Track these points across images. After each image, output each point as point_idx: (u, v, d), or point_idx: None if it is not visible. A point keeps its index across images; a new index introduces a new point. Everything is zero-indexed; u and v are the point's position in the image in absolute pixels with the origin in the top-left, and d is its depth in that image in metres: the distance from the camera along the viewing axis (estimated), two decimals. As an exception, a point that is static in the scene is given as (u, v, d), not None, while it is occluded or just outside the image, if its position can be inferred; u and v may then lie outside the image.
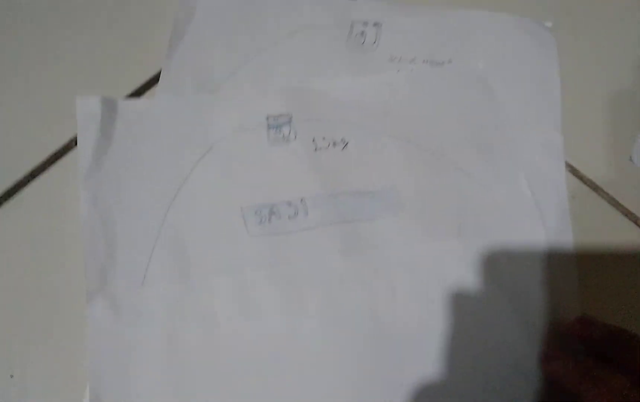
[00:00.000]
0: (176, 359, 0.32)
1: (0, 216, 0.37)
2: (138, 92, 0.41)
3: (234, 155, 0.37)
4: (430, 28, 0.42)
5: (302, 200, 0.36)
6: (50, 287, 0.35)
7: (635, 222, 0.38)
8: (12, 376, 0.33)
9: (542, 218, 0.37)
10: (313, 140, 0.38)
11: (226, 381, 0.32)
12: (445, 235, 0.36)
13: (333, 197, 0.36)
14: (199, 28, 0.42)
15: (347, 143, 0.38)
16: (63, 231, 0.36)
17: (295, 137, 0.38)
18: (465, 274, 0.35)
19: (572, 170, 0.40)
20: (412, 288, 0.35)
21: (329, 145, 0.38)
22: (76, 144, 0.38)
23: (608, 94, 0.42)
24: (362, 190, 0.37)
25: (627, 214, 0.38)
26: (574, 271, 0.36)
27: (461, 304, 0.34)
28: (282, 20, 0.42)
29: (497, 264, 0.35)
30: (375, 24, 0.42)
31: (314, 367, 0.33)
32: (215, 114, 0.38)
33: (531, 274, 0.35)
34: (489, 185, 0.37)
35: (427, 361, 0.33)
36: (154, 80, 0.41)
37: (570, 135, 0.40)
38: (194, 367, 0.32)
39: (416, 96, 0.40)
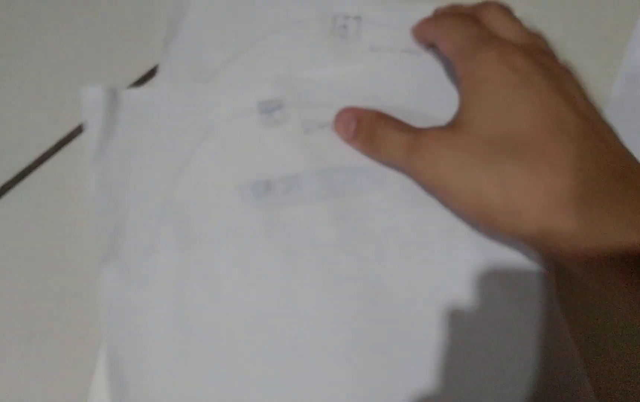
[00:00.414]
0: (182, 319, 0.35)
1: (11, 199, 0.40)
2: (140, 82, 0.44)
3: (230, 137, 0.40)
4: (408, 20, 0.45)
5: (295, 177, 0.39)
6: (62, 259, 0.38)
7: None
8: (29, 339, 0.36)
9: None
10: (302, 123, 0.41)
11: (229, 341, 0.35)
12: (426, 203, 0.38)
13: (323, 173, 0.39)
14: (191, 25, 0.44)
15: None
16: (71, 211, 0.39)
17: (286, 120, 0.41)
18: (450, 240, 0.37)
19: None
20: (399, 252, 0.37)
21: (317, 127, 0.41)
22: (82, 130, 0.40)
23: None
24: (350, 167, 0.40)
25: None
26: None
27: (443, 266, 0.37)
28: (268, 16, 0.45)
29: (486, 239, 0.37)
30: (356, 17, 0.45)
31: (311, 328, 0.35)
32: (211, 101, 0.41)
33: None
34: None
35: (415, 320, 0.36)
36: (153, 71, 0.44)
37: None
38: (199, 328, 0.35)
39: (398, 83, 0.43)
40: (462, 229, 0.38)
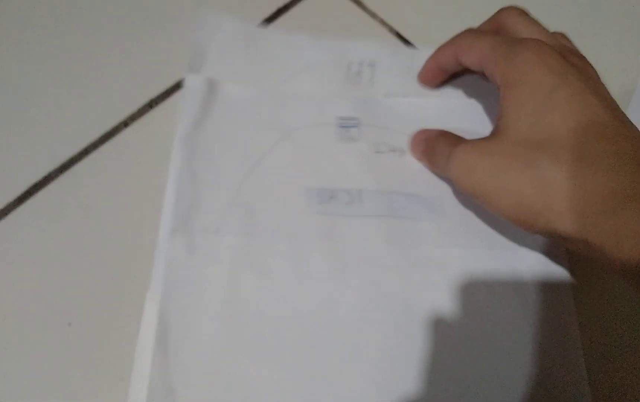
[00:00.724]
0: (233, 300, 0.37)
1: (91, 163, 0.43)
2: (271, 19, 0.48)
3: (305, 144, 0.43)
4: (419, 65, 0.46)
5: (359, 191, 0.41)
6: (112, 239, 0.40)
7: None
8: (70, 324, 0.37)
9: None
10: (375, 144, 0.43)
11: (272, 330, 0.37)
12: (478, 245, 0.40)
13: (386, 193, 0.41)
14: (212, 68, 0.46)
15: (404, 152, 0.43)
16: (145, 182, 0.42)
17: (360, 138, 0.43)
18: (491, 282, 0.39)
19: None
20: (443, 286, 0.39)
21: (388, 151, 0.43)
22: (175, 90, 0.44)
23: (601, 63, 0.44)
24: (412, 193, 0.41)
25: None
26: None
27: (481, 307, 0.38)
28: (284, 61, 0.47)
29: (521, 281, 0.39)
30: (370, 64, 0.47)
31: (349, 335, 0.37)
32: (295, 108, 0.44)
33: (553, 304, 0.38)
34: None
35: (446, 354, 0.37)
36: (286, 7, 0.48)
37: None
38: (247, 311, 0.37)
39: (472, 124, 0.44)
40: (504, 271, 0.39)
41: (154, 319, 0.36)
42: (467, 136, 0.40)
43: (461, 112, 0.45)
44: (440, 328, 0.37)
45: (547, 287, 0.39)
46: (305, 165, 0.42)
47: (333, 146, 0.43)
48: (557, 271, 0.39)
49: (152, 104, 0.45)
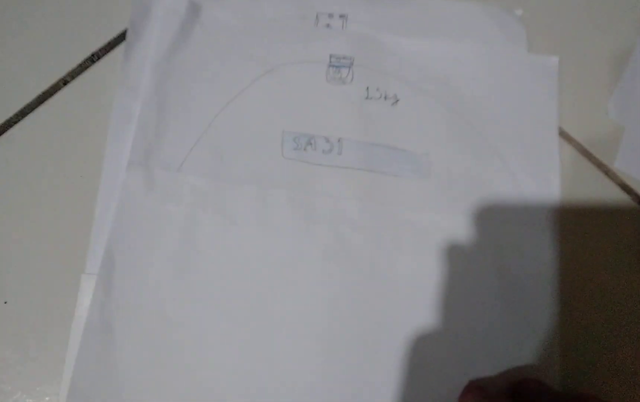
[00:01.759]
0: (191, 241, 0.36)
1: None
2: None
3: (290, 81, 0.40)
4: (403, 14, 0.42)
5: (339, 139, 0.38)
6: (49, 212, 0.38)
7: (606, 174, 0.39)
8: (5, 302, 0.35)
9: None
10: (367, 89, 0.40)
11: (225, 278, 0.35)
12: (460, 211, 0.37)
13: (368, 145, 0.38)
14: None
15: (398, 100, 0.40)
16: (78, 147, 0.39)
17: (351, 81, 0.40)
18: (471, 253, 0.36)
19: None
20: (414, 250, 0.36)
21: (380, 97, 0.40)
22: (118, 42, 0.41)
23: (586, 47, 0.42)
24: (397, 147, 0.38)
25: (599, 165, 0.39)
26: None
27: (456, 282, 0.36)
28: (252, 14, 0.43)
29: (500, 251, 0.36)
30: (341, 16, 0.42)
31: (311, 293, 0.35)
32: (284, 41, 0.41)
33: (531, 273, 0.36)
34: (521, 180, 0.38)
35: (416, 317, 0.35)
36: None
37: None
38: (202, 256, 0.36)
39: (480, 74, 0.40)
40: (485, 244, 0.36)
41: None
42: (472, 83, 0.39)
43: (467, 58, 0.41)
44: (406, 296, 0.35)
45: (531, 266, 0.36)
46: (286, 105, 0.39)
47: (320, 87, 0.40)
48: (543, 252, 0.37)
49: (93, 58, 0.42)
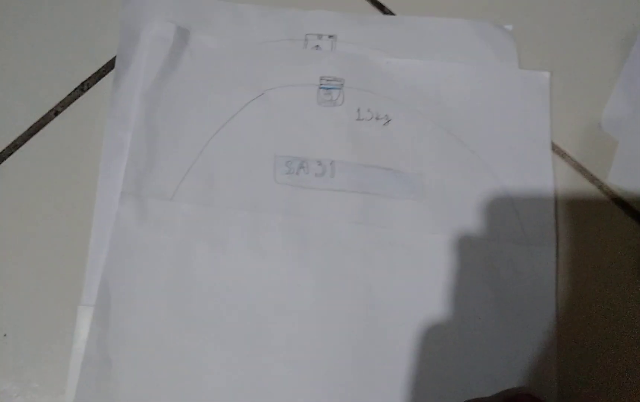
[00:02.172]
0: (183, 272, 0.36)
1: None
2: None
3: (281, 105, 0.40)
4: (391, 34, 0.43)
5: (331, 162, 0.38)
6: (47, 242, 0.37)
7: (600, 188, 0.39)
8: (5, 335, 0.35)
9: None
10: (358, 110, 0.40)
11: (221, 307, 0.35)
12: (455, 231, 0.37)
13: (362, 167, 0.38)
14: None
15: (389, 120, 0.40)
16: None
17: (342, 102, 0.40)
18: (465, 272, 0.36)
19: None
20: (409, 271, 0.36)
21: (371, 118, 0.40)
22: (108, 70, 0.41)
23: (577, 61, 0.42)
24: (390, 168, 0.38)
25: (592, 179, 0.39)
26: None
27: (453, 301, 0.36)
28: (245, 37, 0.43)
29: (497, 271, 0.36)
30: (330, 36, 0.42)
31: (306, 318, 0.35)
32: (273, 64, 0.41)
33: (527, 290, 0.36)
34: (514, 197, 0.38)
35: (412, 338, 0.35)
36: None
37: None
38: (196, 285, 0.35)
39: (471, 91, 0.40)
40: (480, 262, 0.36)
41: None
42: (464, 101, 0.39)
43: (458, 76, 0.41)
44: (402, 317, 0.35)
45: (526, 284, 0.36)
46: (277, 129, 0.39)
47: (311, 110, 0.40)
48: (539, 269, 0.36)
49: (83, 88, 0.41)
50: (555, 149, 0.40)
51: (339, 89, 0.40)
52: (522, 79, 0.41)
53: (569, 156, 0.40)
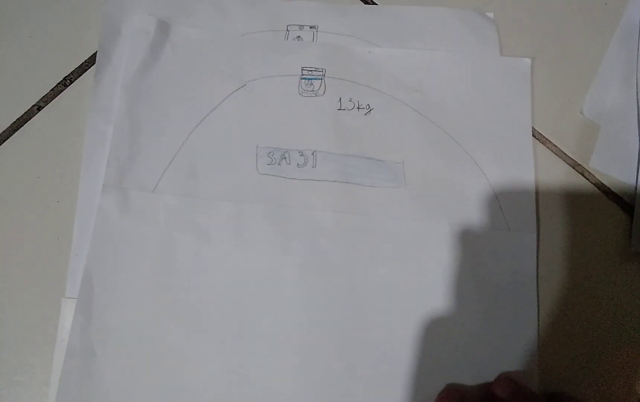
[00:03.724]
0: (166, 263, 0.36)
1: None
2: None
3: (263, 96, 0.40)
4: (375, 23, 0.43)
5: (313, 152, 0.39)
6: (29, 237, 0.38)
7: (582, 174, 0.39)
8: None
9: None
10: (340, 100, 0.40)
11: (204, 298, 0.35)
12: (437, 218, 0.37)
13: (343, 156, 0.38)
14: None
15: (371, 109, 0.40)
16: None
17: (324, 92, 0.40)
18: (447, 258, 0.36)
19: None
20: (391, 259, 0.36)
21: (353, 107, 0.40)
22: (90, 65, 0.41)
23: (559, 48, 0.43)
24: (372, 157, 0.39)
25: (574, 165, 0.40)
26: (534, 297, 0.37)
27: (435, 288, 0.36)
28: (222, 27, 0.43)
29: (478, 257, 0.37)
30: (311, 27, 0.42)
31: (289, 307, 0.35)
32: (255, 55, 0.41)
33: (509, 276, 0.36)
34: (495, 184, 0.38)
35: (395, 326, 0.35)
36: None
37: None
38: (180, 276, 0.36)
39: (452, 79, 0.41)
40: (461, 249, 0.37)
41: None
42: (445, 89, 0.39)
43: (439, 64, 0.41)
44: (385, 305, 0.36)
45: (508, 270, 0.37)
46: (259, 120, 0.39)
47: (293, 100, 0.40)
48: (520, 256, 0.37)
49: (66, 82, 0.41)
50: (537, 135, 0.40)
51: (321, 79, 0.40)
52: (503, 66, 0.41)
53: (550, 142, 0.40)
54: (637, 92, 0.41)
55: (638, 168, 0.39)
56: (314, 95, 0.40)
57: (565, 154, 0.40)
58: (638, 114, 0.40)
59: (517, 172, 0.38)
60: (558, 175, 0.39)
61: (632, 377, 0.35)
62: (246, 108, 0.39)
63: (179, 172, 0.37)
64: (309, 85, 0.40)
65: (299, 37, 0.42)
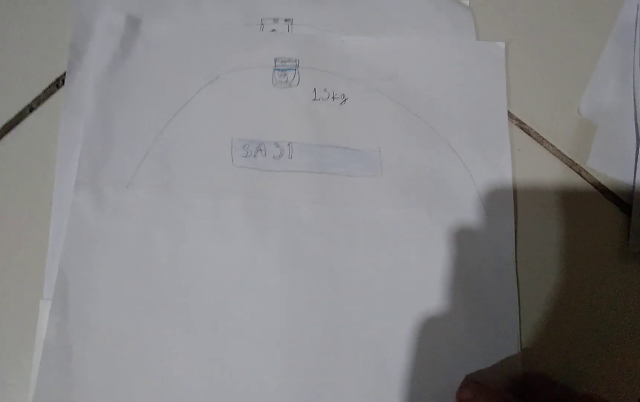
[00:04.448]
0: (143, 259, 0.35)
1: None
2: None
3: (237, 88, 0.39)
4: (352, 12, 0.42)
5: (289, 144, 0.38)
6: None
7: (579, 173, 0.39)
8: None
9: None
10: (314, 90, 0.40)
11: (182, 293, 0.35)
12: (414, 205, 0.37)
13: (319, 147, 0.38)
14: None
15: (346, 99, 0.39)
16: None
17: (298, 83, 0.40)
18: (425, 245, 0.36)
19: (519, 124, 0.40)
20: (370, 248, 0.36)
21: (328, 97, 0.39)
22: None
23: (555, 48, 0.42)
24: (348, 147, 0.38)
25: (572, 165, 0.39)
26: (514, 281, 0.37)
27: (414, 274, 0.36)
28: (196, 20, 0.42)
29: (457, 244, 0.36)
30: (286, 19, 0.42)
31: (269, 300, 0.35)
32: (227, 48, 0.40)
33: (488, 262, 0.36)
34: (472, 169, 0.38)
35: (375, 315, 0.35)
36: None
37: (517, 89, 0.41)
38: (157, 272, 0.35)
39: (426, 66, 0.40)
40: (440, 236, 0.37)
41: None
42: (420, 76, 0.39)
43: (413, 51, 0.41)
44: (364, 294, 0.35)
45: (486, 256, 0.36)
46: (234, 113, 0.39)
47: (266, 92, 0.39)
48: (498, 240, 0.37)
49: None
50: (534, 135, 0.40)
51: (294, 70, 0.40)
52: (477, 50, 0.41)
53: (547, 142, 0.40)
54: (634, 91, 0.40)
55: (636, 167, 0.38)
56: (288, 86, 0.39)
57: (562, 153, 0.39)
58: (635, 113, 0.40)
59: (494, 157, 0.38)
60: (555, 175, 0.39)
61: (630, 376, 0.35)
62: (220, 101, 0.39)
63: (153, 167, 0.37)
64: (282, 76, 0.39)
65: (273, 30, 0.41)
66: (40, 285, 0.35)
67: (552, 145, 0.39)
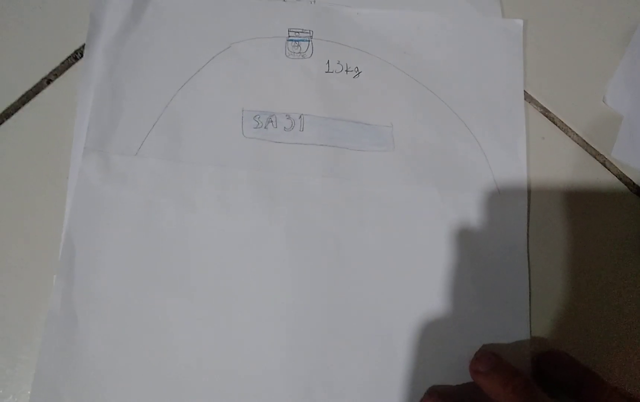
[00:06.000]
0: (150, 228, 0.35)
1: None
2: None
3: (249, 58, 0.39)
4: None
5: (300, 116, 0.38)
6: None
7: (604, 164, 0.38)
8: None
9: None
10: (327, 62, 0.39)
11: (188, 263, 0.35)
12: (426, 181, 0.36)
13: (331, 120, 0.37)
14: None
15: (359, 72, 0.39)
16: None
17: (312, 54, 0.39)
18: (436, 222, 0.36)
19: (544, 111, 0.39)
20: (379, 224, 0.36)
21: (342, 70, 0.39)
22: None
23: (582, 35, 0.41)
24: (360, 121, 0.38)
25: (596, 155, 0.38)
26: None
27: (423, 252, 0.35)
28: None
29: (468, 221, 0.36)
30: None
31: (275, 273, 0.35)
32: (240, 17, 0.40)
33: (500, 244, 0.35)
34: (486, 148, 0.37)
35: (383, 293, 0.34)
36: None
37: (542, 77, 0.40)
38: (163, 241, 0.35)
39: (441, 41, 0.39)
40: (451, 215, 0.36)
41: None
42: (435, 51, 0.38)
43: (428, 26, 0.40)
44: (372, 271, 0.35)
45: (499, 237, 0.36)
46: (245, 83, 0.38)
47: (279, 63, 0.39)
48: (512, 222, 0.36)
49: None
50: (559, 123, 0.39)
51: (308, 41, 0.39)
52: (494, 27, 0.40)
53: (572, 131, 0.39)
54: (661, 82, 0.39)
55: None
56: (301, 57, 0.39)
57: (586, 143, 0.38)
58: (662, 104, 0.38)
59: (509, 136, 0.37)
60: (579, 165, 0.38)
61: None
62: (231, 70, 0.38)
63: (162, 136, 0.36)
64: (295, 47, 0.39)
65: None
66: (56, 259, 0.35)
67: (577, 135, 0.38)
